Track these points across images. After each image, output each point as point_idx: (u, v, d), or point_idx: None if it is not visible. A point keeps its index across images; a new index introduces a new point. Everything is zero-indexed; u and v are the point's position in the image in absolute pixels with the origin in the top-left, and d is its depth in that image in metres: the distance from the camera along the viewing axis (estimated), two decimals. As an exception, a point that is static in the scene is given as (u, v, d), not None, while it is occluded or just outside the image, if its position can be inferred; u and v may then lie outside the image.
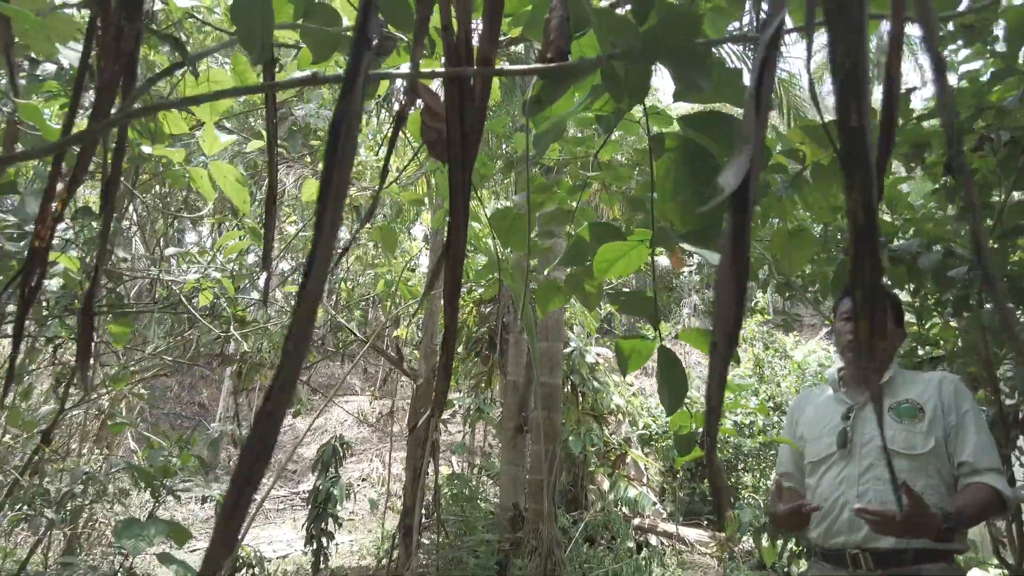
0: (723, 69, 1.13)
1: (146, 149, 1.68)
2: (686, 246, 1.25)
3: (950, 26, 2.30)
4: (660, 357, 1.32)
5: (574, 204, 2.55)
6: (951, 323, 3.02)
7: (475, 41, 0.79)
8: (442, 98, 0.80)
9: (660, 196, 1.36)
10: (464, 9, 0.66)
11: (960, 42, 2.33)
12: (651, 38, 0.65)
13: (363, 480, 13.73)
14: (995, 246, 2.09)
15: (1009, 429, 2.31)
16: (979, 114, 2.08)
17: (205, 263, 2.69)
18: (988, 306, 1.88)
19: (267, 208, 1.25)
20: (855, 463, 1.85)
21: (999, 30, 2.08)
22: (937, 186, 2.69)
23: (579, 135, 2.75)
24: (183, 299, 2.71)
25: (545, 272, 1.73)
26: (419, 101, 0.84)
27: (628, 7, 0.83)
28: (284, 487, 13.53)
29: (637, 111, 1.44)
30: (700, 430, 1.50)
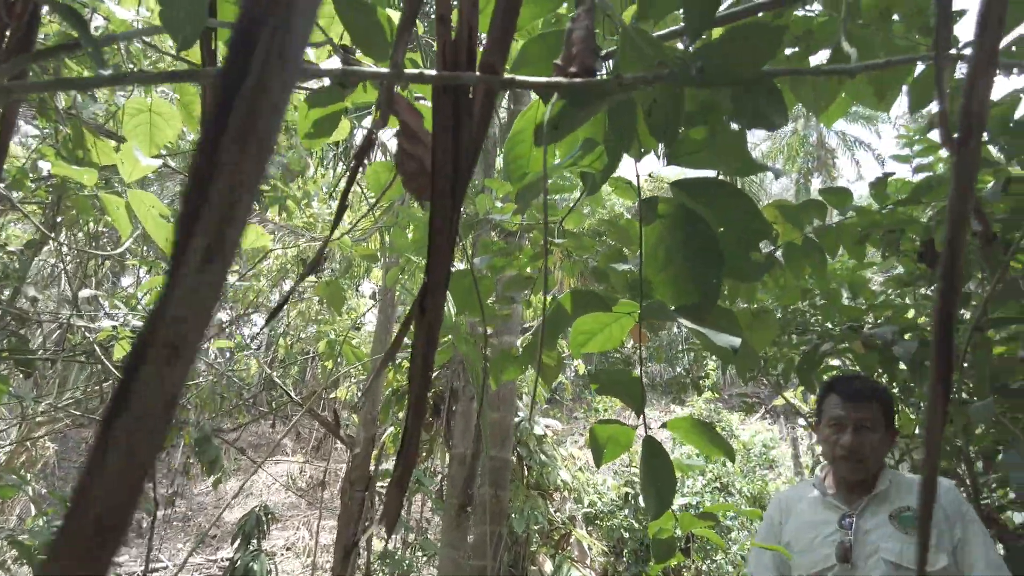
0: (724, 131, 1.01)
1: (43, 164, 1.43)
2: (684, 322, 1.09)
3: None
4: (645, 450, 1.14)
5: (534, 271, 2.42)
6: (910, 415, 2.95)
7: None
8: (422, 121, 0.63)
9: (649, 266, 1.22)
10: (468, -2, 0.50)
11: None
12: (716, 55, 0.49)
13: (288, 549, 12.82)
14: (971, 338, 2.02)
15: (987, 528, 2.20)
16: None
17: (127, 310, 2.40)
18: (981, 402, 1.78)
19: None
20: None
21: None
22: (899, 270, 2.66)
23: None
24: (96, 348, 2.41)
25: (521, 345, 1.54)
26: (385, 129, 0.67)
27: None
28: (201, 554, 12.48)
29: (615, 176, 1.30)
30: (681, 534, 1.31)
